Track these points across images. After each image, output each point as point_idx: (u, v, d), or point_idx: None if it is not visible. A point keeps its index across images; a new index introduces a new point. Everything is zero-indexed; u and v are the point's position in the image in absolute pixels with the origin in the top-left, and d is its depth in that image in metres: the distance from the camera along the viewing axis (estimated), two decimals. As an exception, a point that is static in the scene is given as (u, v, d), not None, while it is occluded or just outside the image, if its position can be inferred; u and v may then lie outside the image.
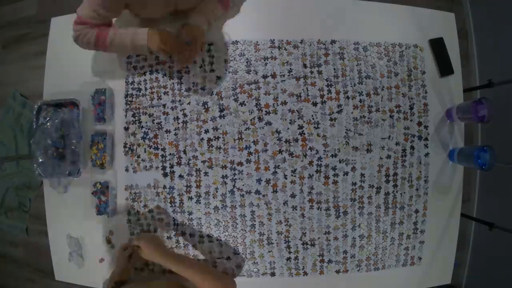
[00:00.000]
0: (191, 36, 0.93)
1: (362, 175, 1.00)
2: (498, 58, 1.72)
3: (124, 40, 0.89)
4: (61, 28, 1.10)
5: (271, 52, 1.01)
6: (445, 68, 1.04)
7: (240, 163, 0.99)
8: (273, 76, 1.00)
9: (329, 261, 1.01)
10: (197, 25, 0.94)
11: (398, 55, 1.03)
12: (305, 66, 1.01)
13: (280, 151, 0.99)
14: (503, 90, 1.30)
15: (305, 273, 1.01)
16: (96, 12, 0.84)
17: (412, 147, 1.02)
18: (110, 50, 0.92)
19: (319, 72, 1.01)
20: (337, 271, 1.01)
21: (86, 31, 0.87)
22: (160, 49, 0.89)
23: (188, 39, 0.94)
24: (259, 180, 0.99)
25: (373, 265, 1.02)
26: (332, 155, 0.99)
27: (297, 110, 0.99)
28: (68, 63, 1.08)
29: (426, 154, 1.02)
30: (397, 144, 1.01)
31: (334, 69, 1.01)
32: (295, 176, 0.99)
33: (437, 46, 1.04)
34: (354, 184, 1.00)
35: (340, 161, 0.99)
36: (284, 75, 1.00)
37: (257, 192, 0.99)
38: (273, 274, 1.01)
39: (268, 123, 0.99)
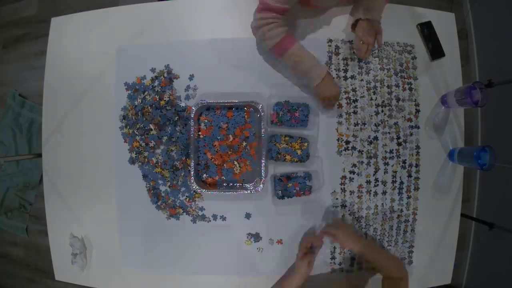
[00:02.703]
0: (372, 33, 0.91)
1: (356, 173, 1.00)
2: (498, 58, 1.72)
3: (301, 63, 0.85)
4: (61, 28, 1.10)
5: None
6: (435, 51, 1.04)
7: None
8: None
9: (332, 258, 1.01)
10: (376, 20, 0.91)
11: (397, 54, 1.04)
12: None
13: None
14: (503, 90, 1.30)
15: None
16: None
17: (407, 142, 1.02)
18: (282, 60, 0.87)
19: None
20: (341, 271, 1.01)
21: (274, 25, 0.79)
22: (324, 101, 0.90)
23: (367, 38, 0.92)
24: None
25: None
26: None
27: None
28: (68, 63, 1.08)
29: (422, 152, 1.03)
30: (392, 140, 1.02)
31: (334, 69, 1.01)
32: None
33: (426, 30, 1.04)
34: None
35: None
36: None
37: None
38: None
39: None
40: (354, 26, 0.97)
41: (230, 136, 0.98)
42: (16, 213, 2.07)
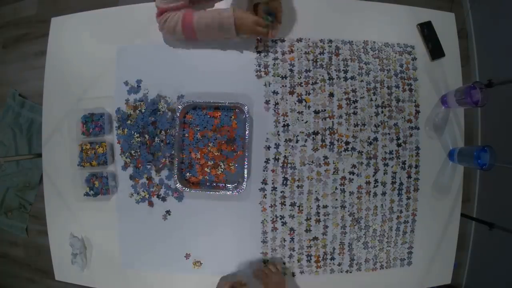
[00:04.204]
0: (273, 8, 0.89)
1: (353, 173, 1.00)
2: (498, 58, 1.72)
3: (211, 20, 0.85)
4: (61, 28, 1.09)
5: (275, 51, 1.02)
6: (435, 51, 1.04)
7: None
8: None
9: (332, 258, 1.01)
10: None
11: (397, 55, 1.04)
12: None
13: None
14: (503, 90, 1.30)
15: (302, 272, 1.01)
16: None
17: (406, 142, 1.02)
18: (199, 37, 0.88)
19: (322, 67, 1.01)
20: (341, 271, 1.01)
21: (169, 15, 0.84)
22: (253, 32, 0.86)
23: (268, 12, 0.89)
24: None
25: (373, 265, 1.02)
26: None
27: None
28: (68, 63, 1.08)
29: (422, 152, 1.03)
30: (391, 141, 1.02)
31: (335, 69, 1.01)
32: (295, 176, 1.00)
33: (426, 30, 1.04)
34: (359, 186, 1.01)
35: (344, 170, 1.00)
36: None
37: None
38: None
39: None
40: (255, 9, 0.94)
41: (216, 136, 0.98)
42: (16, 213, 2.07)
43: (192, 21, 0.86)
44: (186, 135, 0.99)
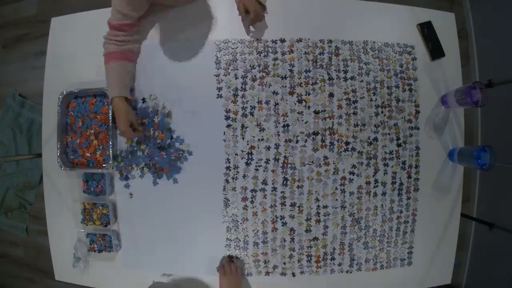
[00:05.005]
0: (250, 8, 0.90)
1: (353, 174, 1.01)
2: (498, 58, 1.72)
3: (107, 78, 0.93)
4: (61, 28, 1.10)
5: (275, 50, 1.02)
6: (435, 51, 1.04)
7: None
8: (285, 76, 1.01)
9: (332, 258, 1.01)
10: None
11: (397, 55, 1.04)
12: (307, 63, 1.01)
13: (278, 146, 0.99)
14: (503, 90, 1.30)
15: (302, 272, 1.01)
16: (121, 12, 0.87)
17: (406, 143, 1.02)
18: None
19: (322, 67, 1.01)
20: (341, 271, 1.01)
21: (108, 41, 0.91)
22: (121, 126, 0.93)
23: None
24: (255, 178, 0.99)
25: (373, 265, 1.02)
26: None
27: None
28: (68, 63, 1.08)
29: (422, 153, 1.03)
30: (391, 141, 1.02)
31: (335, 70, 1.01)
32: (295, 176, 1.00)
33: (426, 30, 1.04)
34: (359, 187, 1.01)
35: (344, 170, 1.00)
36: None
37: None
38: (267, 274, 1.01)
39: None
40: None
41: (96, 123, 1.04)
42: (16, 213, 2.07)
43: (106, 62, 0.93)
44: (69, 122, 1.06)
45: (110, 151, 0.99)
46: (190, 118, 1.01)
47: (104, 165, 1.00)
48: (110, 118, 1.00)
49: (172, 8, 1.03)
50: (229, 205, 1.00)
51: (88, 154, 1.03)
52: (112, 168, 1.00)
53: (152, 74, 1.03)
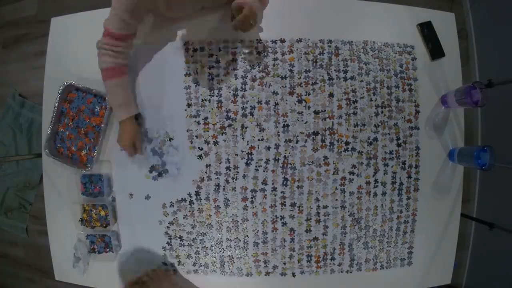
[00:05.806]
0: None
1: (353, 173, 1.00)
2: (498, 58, 1.72)
3: (112, 98, 0.91)
4: (61, 28, 1.09)
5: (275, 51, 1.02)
6: (435, 51, 1.04)
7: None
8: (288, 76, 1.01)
9: (332, 258, 1.01)
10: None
11: (397, 55, 1.04)
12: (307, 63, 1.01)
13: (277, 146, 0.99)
14: (503, 90, 1.30)
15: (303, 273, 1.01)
16: (121, 18, 0.81)
17: (406, 143, 1.02)
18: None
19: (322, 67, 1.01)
20: (341, 271, 1.01)
21: (105, 52, 0.86)
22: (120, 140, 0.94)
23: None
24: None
25: (373, 265, 1.02)
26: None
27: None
28: (68, 63, 1.08)
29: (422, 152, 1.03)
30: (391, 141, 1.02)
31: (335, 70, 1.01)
32: (294, 176, 0.99)
33: (426, 30, 1.04)
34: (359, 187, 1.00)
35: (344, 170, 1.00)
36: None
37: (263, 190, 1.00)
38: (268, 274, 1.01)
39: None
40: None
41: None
42: (16, 213, 2.07)
43: (106, 79, 0.88)
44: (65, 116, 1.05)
45: (95, 154, 1.00)
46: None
47: (85, 165, 1.01)
48: (103, 124, 1.00)
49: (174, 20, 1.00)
50: (229, 205, 1.00)
51: (73, 149, 1.04)
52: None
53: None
